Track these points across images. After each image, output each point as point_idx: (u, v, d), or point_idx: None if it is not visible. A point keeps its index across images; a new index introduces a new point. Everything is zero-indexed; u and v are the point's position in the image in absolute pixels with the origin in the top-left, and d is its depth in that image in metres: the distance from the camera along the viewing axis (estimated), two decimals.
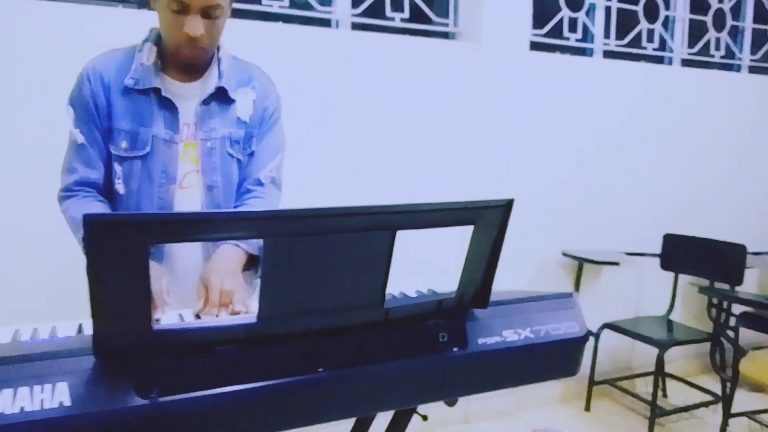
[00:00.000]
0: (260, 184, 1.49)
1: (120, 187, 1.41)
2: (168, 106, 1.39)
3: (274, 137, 1.52)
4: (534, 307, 1.08)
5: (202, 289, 1.29)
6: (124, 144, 1.38)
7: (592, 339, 2.96)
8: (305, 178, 2.44)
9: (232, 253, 1.37)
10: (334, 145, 2.56)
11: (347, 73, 2.57)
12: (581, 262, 3.02)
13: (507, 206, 0.94)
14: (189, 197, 1.43)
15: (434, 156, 2.76)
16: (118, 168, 1.40)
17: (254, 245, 1.39)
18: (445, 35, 2.88)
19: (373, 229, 0.86)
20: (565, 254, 3.04)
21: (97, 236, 0.71)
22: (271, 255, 0.82)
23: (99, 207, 1.39)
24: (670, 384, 3.22)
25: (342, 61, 2.57)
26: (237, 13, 2.50)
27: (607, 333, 2.99)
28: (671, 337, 2.93)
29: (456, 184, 2.80)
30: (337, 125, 2.57)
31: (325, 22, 2.66)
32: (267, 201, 1.48)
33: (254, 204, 1.46)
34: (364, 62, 2.61)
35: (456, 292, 1.00)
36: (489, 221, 0.93)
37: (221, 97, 1.43)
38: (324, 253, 0.85)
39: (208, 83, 1.42)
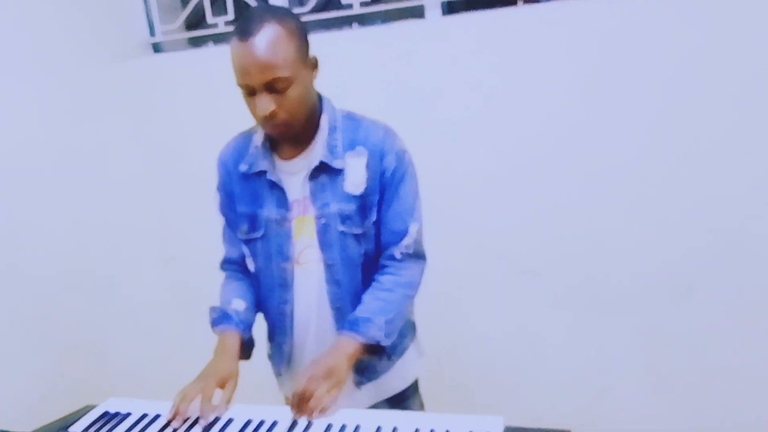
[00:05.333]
0: (394, 259, 1.39)
1: (250, 264, 1.48)
2: (276, 186, 1.37)
3: (404, 202, 1.37)
4: None
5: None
6: (244, 227, 1.43)
7: None
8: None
9: (344, 345, 1.29)
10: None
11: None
12: None
13: None
14: (309, 273, 1.40)
15: None
16: (245, 248, 1.47)
17: (372, 335, 1.30)
18: None
19: None
20: None
21: None
22: None
23: (235, 287, 1.48)
24: None
25: None
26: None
27: None
28: None
29: None
30: None
31: None
32: (401, 277, 1.38)
33: (386, 282, 1.38)
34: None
35: None
36: None
37: (328, 168, 1.34)
38: None
39: (312, 156, 1.35)
